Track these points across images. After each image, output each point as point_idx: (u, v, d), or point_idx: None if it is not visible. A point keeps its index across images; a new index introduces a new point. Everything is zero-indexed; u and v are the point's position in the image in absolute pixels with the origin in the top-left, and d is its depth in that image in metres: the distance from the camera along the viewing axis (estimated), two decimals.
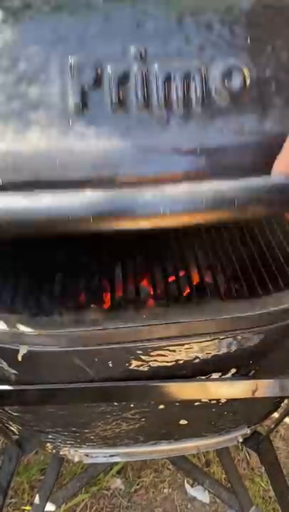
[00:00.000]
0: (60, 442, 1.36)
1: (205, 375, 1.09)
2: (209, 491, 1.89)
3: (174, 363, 1.04)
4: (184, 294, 1.08)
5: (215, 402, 1.20)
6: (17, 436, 1.54)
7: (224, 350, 1.04)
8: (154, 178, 0.70)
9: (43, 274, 1.14)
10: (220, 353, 1.04)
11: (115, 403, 1.16)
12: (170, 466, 2.11)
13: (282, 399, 1.35)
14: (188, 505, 2.00)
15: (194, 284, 1.10)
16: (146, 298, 1.18)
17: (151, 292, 1.14)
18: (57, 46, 0.70)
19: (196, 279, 1.13)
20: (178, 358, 1.03)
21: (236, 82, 0.71)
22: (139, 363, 1.02)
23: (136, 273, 1.14)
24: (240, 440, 1.54)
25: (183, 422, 1.27)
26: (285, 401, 1.42)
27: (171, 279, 1.14)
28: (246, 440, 1.60)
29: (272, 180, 0.70)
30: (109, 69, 0.69)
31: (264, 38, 0.73)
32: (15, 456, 1.59)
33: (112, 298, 1.07)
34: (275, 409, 1.47)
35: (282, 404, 1.43)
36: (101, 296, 1.07)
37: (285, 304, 1.03)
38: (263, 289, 1.07)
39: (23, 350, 0.99)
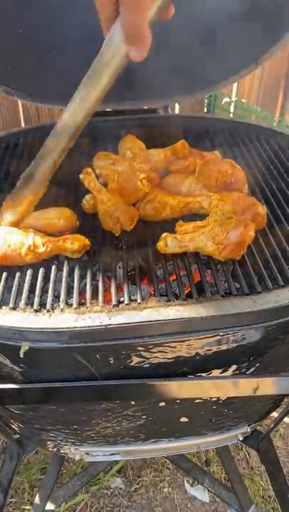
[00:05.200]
0: (61, 440, 1.36)
1: (205, 372, 1.10)
2: (209, 490, 1.89)
3: (174, 359, 1.05)
4: (185, 292, 1.08)
5: (215, 399, 1.21)
6: (18, 436, 1.55)
7: (225, 346, 1.05)
8: None
9: (45, 272, 1.14)
10: (220, 349, 1.05)
11: (116, 401, 1.16)
12: (170, 466, 2.11)
13: (283, 397, 1.36)
14: (188, 505, 2.01)
15: (195, 282, 1.10)
16: (147, 295, 1.18)
17: (152, 290, 1.14)
18: None
19: (196, 277, 1.13)
20: (178, 354, 1.04)
21: None
22: (140, 359, 1.03)
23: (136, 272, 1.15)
24: (241, 439, 1.54)
25: (183, 419, 1.27)
26: (285, 400, 1.42)
27: (172, 277, 1.15)
28: (246, 439, 1.60)
29: None
30: None
31: None
32: (16, 455, 1.59)
33: (113, 295, 1.07)
34: (276, 408, 1.48)
35: (281, 403, 1.43)
36: (103, 293, 1.07)
37: (285, 300, 1.04)
38: (263, 286, 1.08)
39: (24, 347, 0.99)
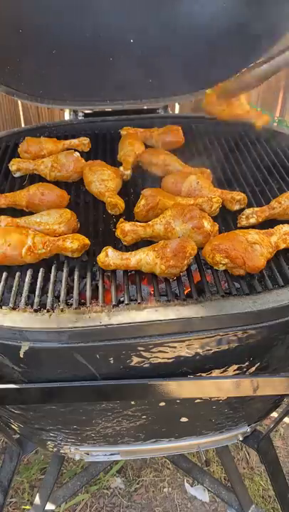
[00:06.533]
0: (61, 440, 1.36)
1: (205, 372, 1.10)
2: (209, 490, 1.89)
3: (174, 359, 1.05)
4: (185, 292, 1.08)
5: (215, 399, 1.21)
6: (18, 436, 1.55)
7: (225, 346, 1.04)
8: None
9: (45, 272, 1.14)
10: (220, 349, 1.05)
11: (116, 401, 1.16)
12: (170, 466, 2.11)
13: (282, 397, 1.35)
14: (188, 505, 2.00)
15: (195, 282, 1.10)
16: (147, 295, 1.18)
17: (152, 290, 1.14)
18: None
19: (196, 277, 1.13)
20: (178, 354, 1.04)
21: None
22: (140, 359, 1.03)
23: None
24: (241, 439, 1.54)
25: (183, 419, 1.27)
26: (285, 400, 1.42)
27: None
28: (246, 439, 1.60)
29: None
30: None
31: None
32: (16, 455, 1.59)
33: (113, 295, 1.07)
34: (276, 408, 1.48)
35: (281, 403, 1.43)
36: (103, 293, 1.07)
37: (285, 300, 1.04)
38: (263, 286, 1.08)
39: (24, 347, 0.99)
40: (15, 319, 1.00)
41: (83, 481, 1.87)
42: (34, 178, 1.48)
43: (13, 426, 1.37)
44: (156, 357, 1.03)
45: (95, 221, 1.33)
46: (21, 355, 1.00)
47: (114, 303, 1.03)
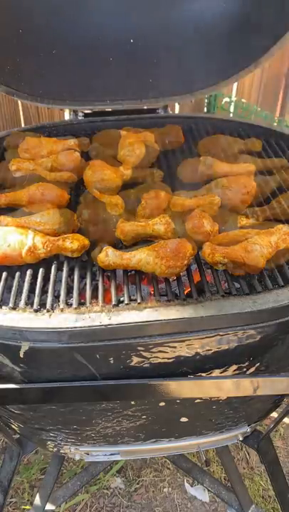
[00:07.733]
0: (61, 440, 1.36)
1: (205, 372, 1.10)
2: (209, 490, 1.89)
3: (174, 359, 1.05)
4: (185, 292, 1.08)
5: (215, 399, 1.21)
6: (18, 436, 1.55)
7: (225, 346, 1.05)
8: None
9: (45, 272, 1.14)
10: (220, 349, 1.05)
11: (116, 401, 1.16)
12: (170, 466, 2.11)
13: (282, 397, 1.35)
14: (188, 505, 2.00)
15: (195, 282, 1.10)
16: (147, 295, 1.19)
17: (152, 290, 1.14)
18: None
19: (196, 277, 1.13)
20: (178, 354, 1.04)
21: None
22: (140, 359, 1.03)
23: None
24: (241, 439, 1.54)
25: (183, 419, 1.27)
26: (285, 400, 1.42)
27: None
28: (246, 439, 1.60)
29: None
30: None
31: None
32: (16, 455, 1.59)
33: (113, 295, 1.07)
34: (276, 408, 1.48)
35: (281, 403, 1.43)
36: (103, 293, 1.07)
37: (285, 300, 1.04)
38: (263, 285, 1.08)
39: (24, 347, 1.00)
40: (15, 319, 1.00)
41: (83, 481, 1.87)
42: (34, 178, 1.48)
43: (13, 426, 1.37)
44: (156, 357, 1.03)
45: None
46: (21, 355, 1.00)
47: (114, 303, 1.03)
